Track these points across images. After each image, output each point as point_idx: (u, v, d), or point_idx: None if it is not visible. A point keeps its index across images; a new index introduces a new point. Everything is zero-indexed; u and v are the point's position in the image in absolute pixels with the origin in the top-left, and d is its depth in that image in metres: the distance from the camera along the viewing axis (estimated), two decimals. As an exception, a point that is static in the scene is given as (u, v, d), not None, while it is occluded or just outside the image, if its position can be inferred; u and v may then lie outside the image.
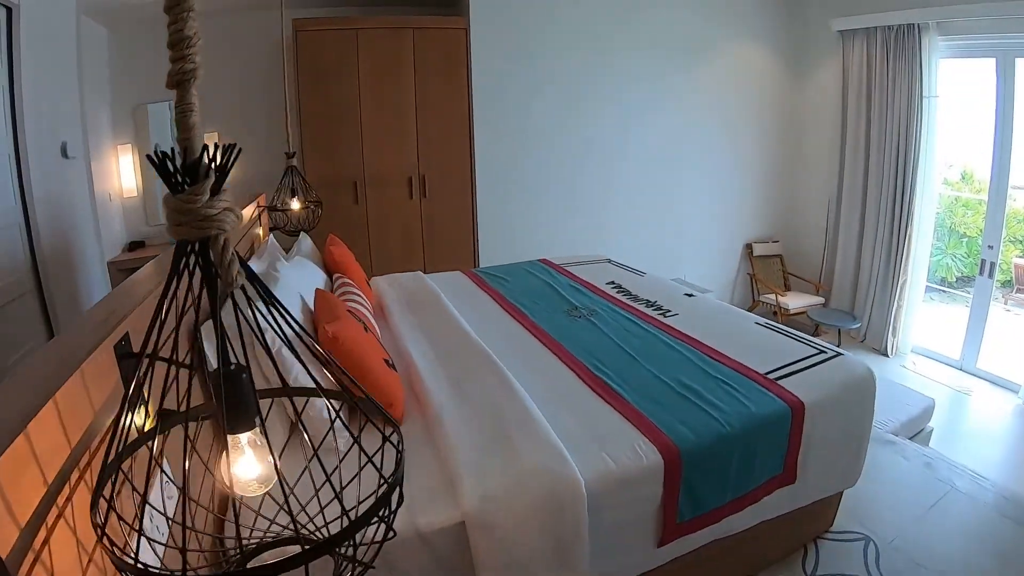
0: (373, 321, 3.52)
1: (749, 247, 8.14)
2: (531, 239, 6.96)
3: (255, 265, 3.31)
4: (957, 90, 6.63)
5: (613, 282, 4.81)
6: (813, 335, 6.92)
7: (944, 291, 9.03)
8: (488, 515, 2.12)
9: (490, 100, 6.25)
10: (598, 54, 6.80)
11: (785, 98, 7.92)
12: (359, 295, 3.62)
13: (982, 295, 6.84)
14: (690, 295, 4.50)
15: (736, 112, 7.67)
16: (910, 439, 4.79)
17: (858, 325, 7.22)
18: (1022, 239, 8.82)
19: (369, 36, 5.47)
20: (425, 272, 5.20)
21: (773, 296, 7.54)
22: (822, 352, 3.38)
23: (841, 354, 3.41)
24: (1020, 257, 8.86)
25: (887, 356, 7.43)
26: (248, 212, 4.34)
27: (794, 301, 7.52)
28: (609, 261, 5.45)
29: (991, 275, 6.69)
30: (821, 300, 7.62)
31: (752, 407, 2.77)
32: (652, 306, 4.23)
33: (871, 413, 3.26)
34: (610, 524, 2.39)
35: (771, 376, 3.05)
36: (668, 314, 4.08)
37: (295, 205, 4.56)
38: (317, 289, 3.09)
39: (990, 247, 6.65)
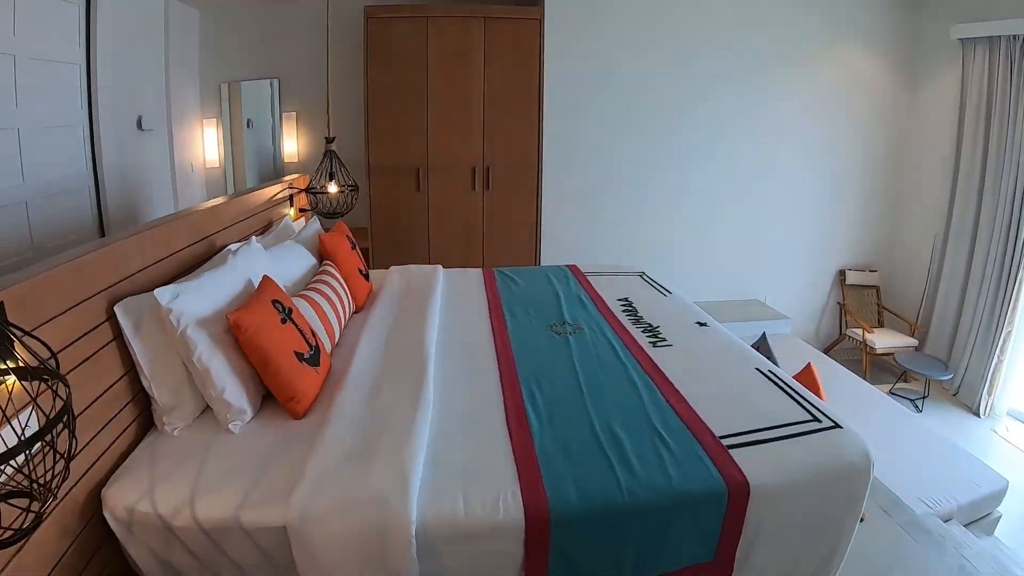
0: (340, 311, 3.47)
1: (842, 274, 7.24)
2: (595, 243, 6.62)
3: (257, 241, 3.34)
4: None
5: (626, 299, 4.28)
6: (903, 381, 6.28)
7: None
8: (306, 530, 1.96)
9: (562, 95, 6.02)
10: (681, 52, 6.36)
11: (893, 112, 6.98)
12: (333, 283, 3.55)
13: None
14: (703, 324, 3.88)
15: (835, 124, 6.89)
16: (966, 525, 4.12)
17: (950, 376, 6.15)
18: None
19: (439, 24, 5.38)
20: (484, 267, 5.08)
21: (860, 331, 6.62)
22: (814, 421, 2.73)
23: (837, 427, 2.68)
24: None
25: (978, 416, 6.32)
26: (272, 192, 4.51)
27: (883, 340, 6.55)
28: (642, 275, 4.85)
29: None
30: (914, 343, 6.61)
31: (674, 478, 2.26)
32: (649, 331, 3.71)
33: (855, 508, 2.56)
34: (454, 574, 2.11)
35: (725, 442, 2.48)
36: (660, 343, 3.55)
37: (332, 188, 4.62)
38: (265, 276, 2.91)
39: None
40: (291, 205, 4.88)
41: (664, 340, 3.63)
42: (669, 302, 4.33)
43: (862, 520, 2.62)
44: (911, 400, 6.38)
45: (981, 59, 6.02)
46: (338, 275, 3.69)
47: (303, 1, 5.70)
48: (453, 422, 2.57)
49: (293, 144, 6.34)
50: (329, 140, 4.65)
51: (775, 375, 3.19)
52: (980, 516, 4.29)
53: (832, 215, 7.13)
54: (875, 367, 6.70)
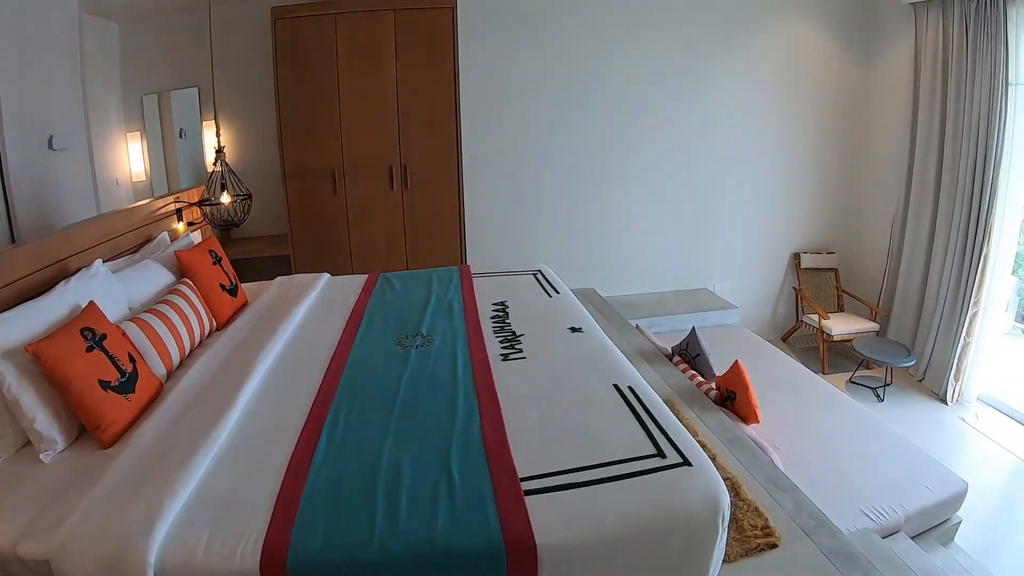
0: (188, 331, 3.27)
1: (797, 257, 6.64)
2: (529, 238, 6.15)
3: (104, 264, 3.23)
4: None
5: (502, 304, 3.83)
6: (865, 368, 5.82)
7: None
8: (64, 563, 1.81)
9: (481, 85, 5.62)
10: (613, 30, 5.81)
11: (845, 85, 6.42)
12: (180, 303, 3.34)
13: None
14: (576, 330, 3.41)
15: (784, 101, 6.36)
16: (919, 535, 3.65)
17: (913, 362, 5.57)
18: None
19: (348, 20, 5.03)
20: (408, 268, 4.88)
21: (816, 317, 6.08)
22: (657, 456, 2.20)
23: (686, 464, 2.16)
24: None
25: (946, 404, 5.68)
26: (155, 207, 4.44)
27: (841, 326, 5.98)
28: (536, 274, 4.36)
29: None
30: (875, 327, 6.02)
31: (441, 530, 1.85)
32: (507, 342, 3.26)
33: (697, 569, 2.03)
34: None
35: (526, 485, 2.03)
36: (513, 356, 3.10)
37: (225, 199, 4.41)
38: (91, 302, 2.77)
39: None
40: (179, 219, 4.68)
41: (519, 352, 3.14)
42: (550, 304, 3.85)
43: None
44: (872, 389, 5.78)
45: (935, 24, 5.51)
46: (193, 293, 3.49)
47: (219, 7, 5.23)
48: (241, 451, 2.31)
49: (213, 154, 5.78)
50: (218, 150, 4.44)
51: (635, 393, 2.66)
52: (936, 524, 3.76)
53: (785, 196, 6.61)
54: (835, 354, 6.18)
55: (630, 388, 2.68)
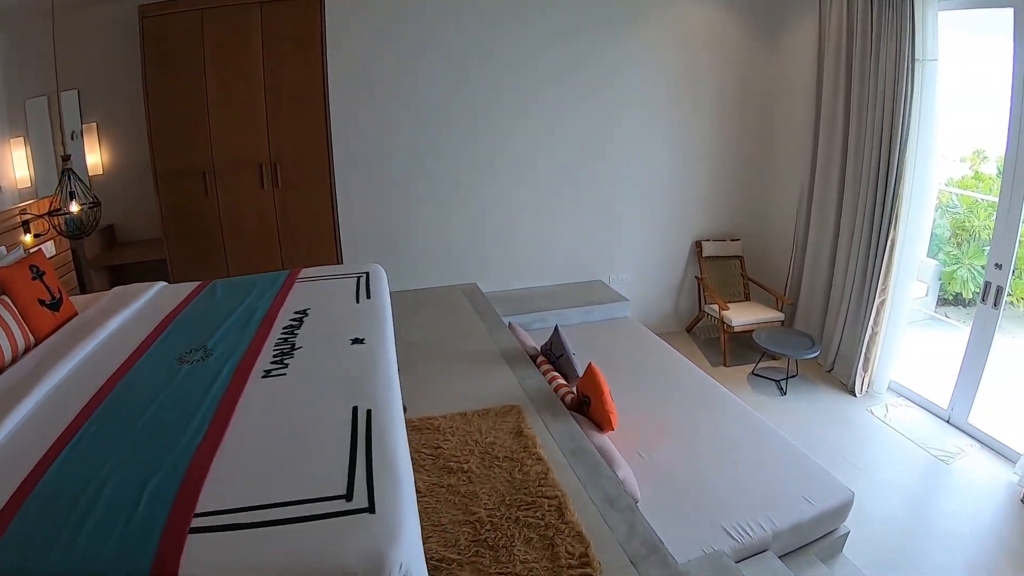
0: None
1: (699, 245, 6.08)
2: (410, 236, 5.61)
3: None
4: (966, 53, 4.82)
5: (305, 311, 3.27)
6: (771, 359, 5.52)
7: (944, 319, 6.58)
8: None
9: (353, 79, 5.09)
10: (493, 17, 5.26)
11: (748, 68, 5.95)
12: None
13: (983, 329, 4.58)
14: (358, 341, 2.86)
15: (685, 86, 5.85)
16: (801, 548, 3.26)
17: (816, 353, 5.07)
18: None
19: (214, 15, 4.65)
20: (284, 269, 4.31)
21: (717, 307, 5.51)
22: (342, 499, 1.76)
23: (368, 511, 1.72)
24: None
25: (854, 395, 5.21)
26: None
27: (743, 316, 5.49)
28: (361, 277, 3.73)
29: (996, 303, 4.45)
30: (780, 317, 5.48)
31: (103, 559, 1.59)
32: (280, 356, 2.74)
33: None
34: None
35: (200, 521, 1.69)
36: (276, 372, 2.59)
37: (74, 208, 4.15)
38: None
39: (998, 266, 4.40)
40: (26, 232, 4.34)
41: (283, 368, 2.66)
42: (353, 311, 3.31)
43: None
44: (776, 381, 5.30)
45: (839, 3, 5.07)
46: (6, 310, 3.14)
47: (95, 7, 4.91)
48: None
49: (96, 157, 5.46)
50: (65, 158, 4.17)
51: (369, 420, 2.20)
52: (816, 538, 3.34)
53: (687, 183, 6.14)
54: (741, 344, 5.75)
55: (368, 412, 2.21)
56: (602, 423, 3.27)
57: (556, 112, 5.53)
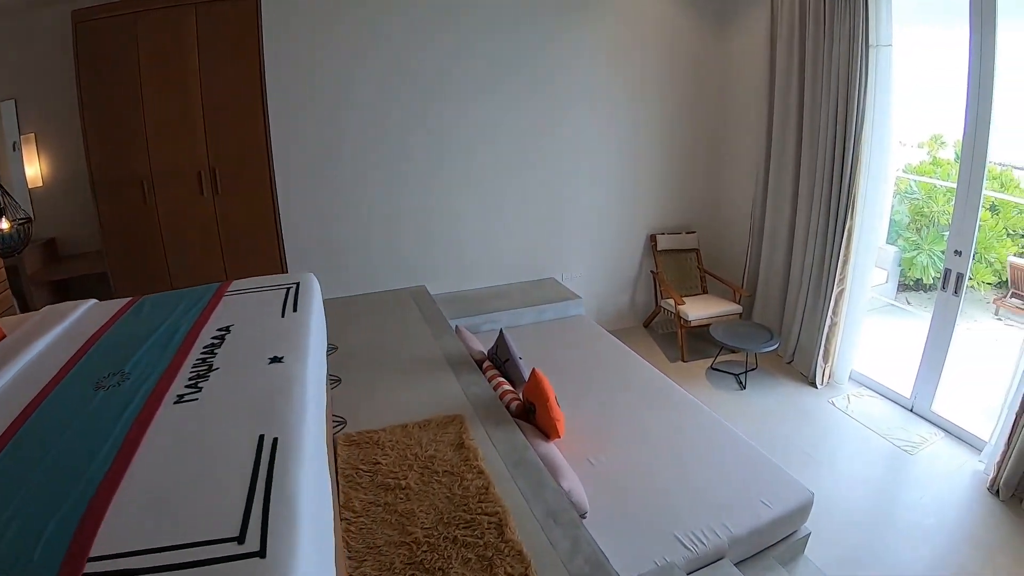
0: None
1: (653, 239, 5.89)
2: (359, 240, 5.32)
3: None
4: (922, 38, 4.82)
5: (228, 328, 2.96)
6: (730, 352, 5.35)
7: (905, 307, 6.49)
8: None
9: (292, 80, 4.83)
10: (435, 13, 4.99)
11: (700, 57, 5.80)
12: None
13: (944, 316, 4.50)
14: (277, 360, 2.55)
15: (636, 78, 5.65)
16: (759, 553, 3.11)
17: (775, 346, 4.95)
18: (1022, 232, 6.13)
19: (148, 19, 4.43)
20: (227, 279, 4.01)
21: (673, 302, 5.37)
22: (233, 542, 1.57)
23: (259, 556, 1.51)
24: (1018, 256, 6.16)
25: (815, 387, 5.08)
26: None
27: (699, 310, 5.35)
28: (291, 288, 3.36)
29: (957, 291, 4.35)
30: (738, 309, 5.34)
31: None
32: (195, 379, 2.45)
33: None
34: None
35: (93, 565, 1.49)
36: (188, 398, 2.31)
37: (3, 225, 4.04)
38: None
39: (957, 253, 4.30)
40: None
41: (196, 392, 2.39)
42: (277, 326, 3.00)
43: None
44: (735, 375, 5.16)
45: None
46: None
47: (36, 12, 4.69)
48: None
49: (35, 168, 5.20)
50: None
51: (273, 451, 1.95)
52: (778, 540, 3.19)
53: (640, 176, 5.97)
54: (698, 339, 5.63)
55: (274, 441, 1.98)
56: (548, 431, 3.12)
57: (501, 108, 5.31)
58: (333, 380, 3.53)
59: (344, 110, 4.99)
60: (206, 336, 2.89)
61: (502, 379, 3.52)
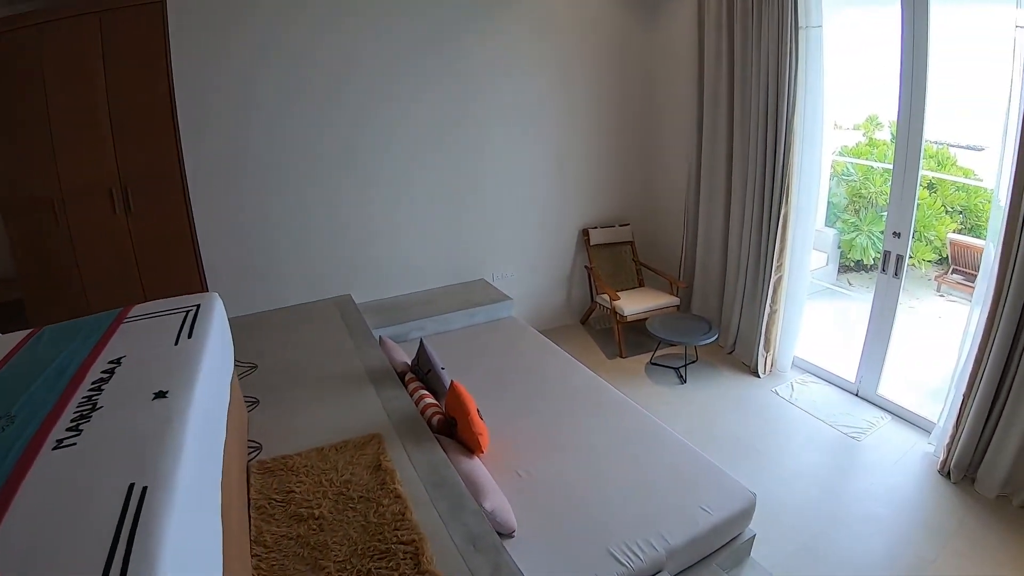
0: None
1: (586, 234, 5.72)
2: (282, 253, 4.96)
3: None
4: (853, 19, 4.70)
5: (118, 360, 2.62)
6: (670, 345, 5.21)
7: (847, 289, 6.43)
8: None
9: (200, 91, 4.51)
10: (341, 13, 4.65)
11: (625, 45, 5.63)
12: None
13: (885, 299, 4.43)
14: (161, 395, 2.26)
15: (558, 70, 5.44)
16: (701, 561, 2.96)
17: (712, 339, 4.75)
18: (960, 208, 6.09)
19: (51, 30, 4.17)
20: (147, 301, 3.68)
21: (608, 297, 5.27)
22: None
23: None
24: (957, 233, 6.14)
25: (758, 376, 4.98)
26: None
27: (635, 304, 5.23)
28: (191, 311, 3.05)
29: (897, 273, 4.28)
30: (676, 302, 5.16)
31: None
32: (76, 422, 2.16)
33: None
34: None
35: None
36: (66, 442, 2.03)
37: None
38: None
39: (896, 235, 4.22)
40: None
41: (75, 436, 2.12)
42: (168, 355, 2.70)
43: None
44: (675, 369, 5.03)
45: None
46: None
47: None
48: None
49: None
50: None
51: (141, 501, 1.73)
52: (720, 546, 3.03)
53: (567, 169, 5.77)
54: (637, 333, 5.45)
55: (143, 491, 1.77)
56: (471, 446, 2.92)
57: (416, 102, 5.01)
58: (251, 402, 3.30)
59: (255, 120, 4.66)
60: (96, 370, 2.62)
61: (425, 392, 3.32)
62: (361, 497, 2.61)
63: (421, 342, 3.55)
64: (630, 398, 3.85)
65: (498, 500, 2.67)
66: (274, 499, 2.65)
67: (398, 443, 2.93)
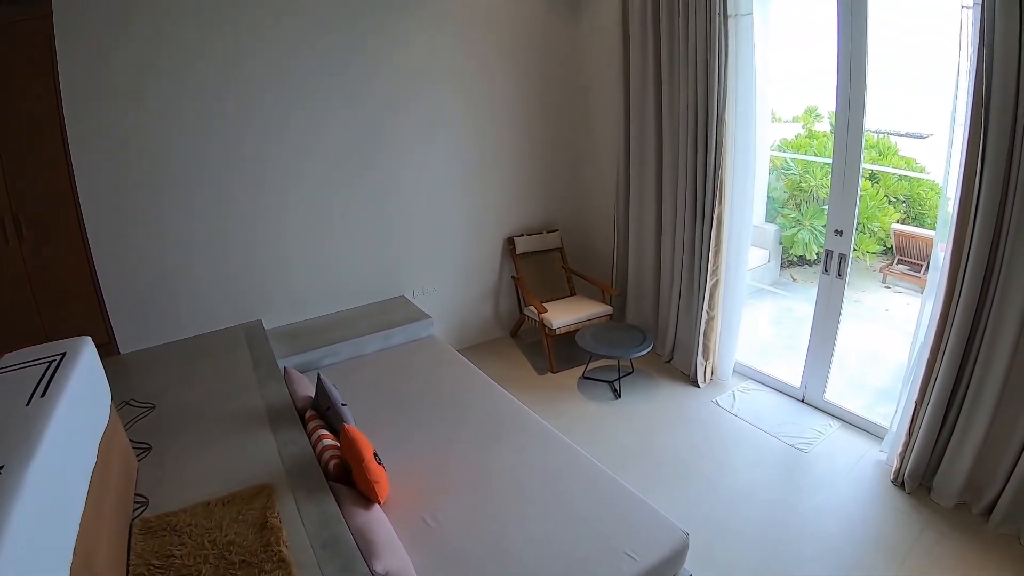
0: None
1: (511, 242, 5.43)
2: (189, 279, 4.48)
3: None
4: (785, 5, 4.59)
5: None
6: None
7: (789, 286, 6.27)
8: None
9: (92, 110, 3.92)
10: (241, 20, 4.21)
11: (546, 44, 5.38)
12: None
13: (829, 300, 4.23)
14: None
15: (474, 71, 5.12)
16: None
17: (647, 350, 4.47)
18: (903, 198, 5.95)
19: None
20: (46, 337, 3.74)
21: (534, 309, 5.02)
22: None
23: None
24: (901, 223, 6.01)
25: (698, 386, 4.72)
26: None
27: (564, 315, 4.99)
28: (55, 360, 2.60)
29: (840, 273, 4.08)
30: (608, 311, 4.93)
31: None
32: None
33: None
34: None
35: None
36: None
37: None
38: None
39: (838, 232, 4.02)
40: None
41: None
42: (20, 417, 2.21)
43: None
44: (609, 383, 4.79)
45: None
46: None
47: None
48: None
49: None
50: None
51: None
52: None
53: (488, 176, 5.47)
54: (569, 345, 5.12)
55: None
56: (368, 496, 2.57)
57: (332, 120, 4.65)
58: (142, 449, 2.97)
59: (152, 139, 4.20)
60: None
61: (325, 432, 3.04)
62: (243, 561, 2.34)
63: (319, 377, 3.23)
64: (562, 417, 3.63)
65: (395, 560, 2.39)
66: (153, 564, 2.36)
67: (289, 495, 2.66)
